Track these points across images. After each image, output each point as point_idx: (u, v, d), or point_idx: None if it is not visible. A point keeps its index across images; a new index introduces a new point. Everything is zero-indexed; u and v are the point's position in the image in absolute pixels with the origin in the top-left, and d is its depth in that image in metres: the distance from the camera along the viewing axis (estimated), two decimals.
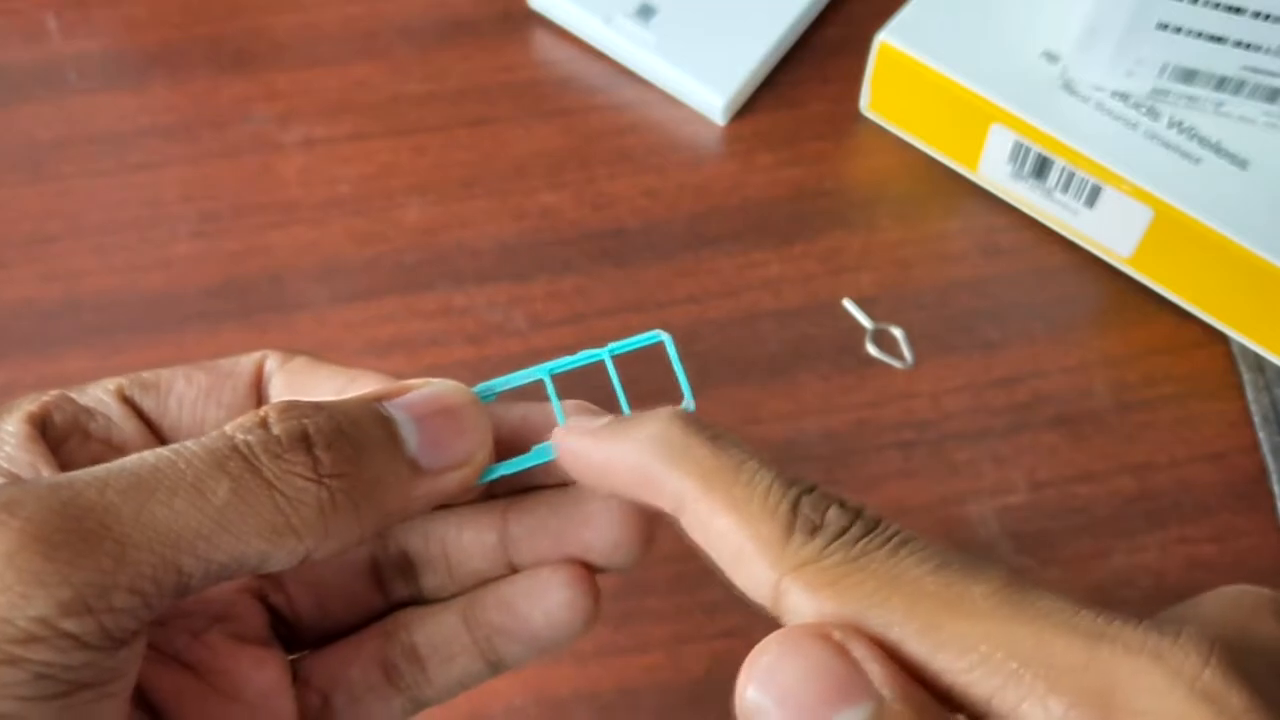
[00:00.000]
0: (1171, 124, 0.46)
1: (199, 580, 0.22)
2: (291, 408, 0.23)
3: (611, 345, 0.27)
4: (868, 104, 0.51)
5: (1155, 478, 0.45)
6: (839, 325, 0.48)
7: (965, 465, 0.45)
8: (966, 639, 0.19)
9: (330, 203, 0.50)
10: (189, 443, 0.22)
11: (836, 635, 0.20)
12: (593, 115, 0.52)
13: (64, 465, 0.24)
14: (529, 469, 0.26)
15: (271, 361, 0.28)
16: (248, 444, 0.22)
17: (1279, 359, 0.46)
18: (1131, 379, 0.47)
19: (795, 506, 0.21)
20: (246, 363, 0.27)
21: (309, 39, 0.54)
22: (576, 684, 0.42)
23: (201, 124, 0.52)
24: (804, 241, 0.49)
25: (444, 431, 0.24)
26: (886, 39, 0.48)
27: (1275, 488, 0.45)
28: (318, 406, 0.23)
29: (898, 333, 0.47)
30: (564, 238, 0.49)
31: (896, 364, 0.47)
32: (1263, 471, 0.45)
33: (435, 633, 0.28)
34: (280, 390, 0.27)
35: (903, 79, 0.49)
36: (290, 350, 0.28)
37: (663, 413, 0.23)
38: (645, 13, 0.52)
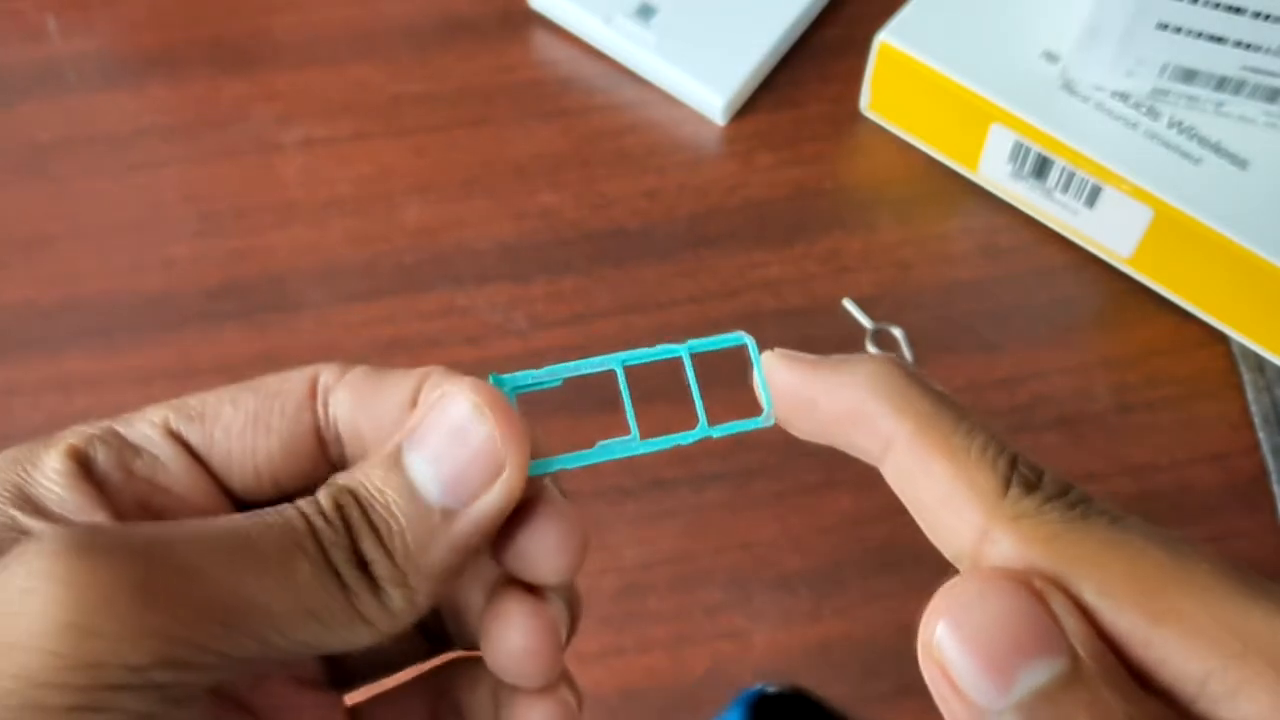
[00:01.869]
0: (1171, 124, 0.46)
1: (283, 654, 0.22)
2: (332, 489, 0.23)
3: (691, 342, 0.26)
4: (868, 104, 0.51)
5: (1156, 478, 0.45)
6: (839, 325, 0.48)
7: None
8: (1190, 611, 0.18)
9: (330, 203, 0.50)
10: (271, 513, 0.22)
11: (1038, 584, 0.19)
12: (592, 115, 0.52)
13: (109, 504, 0.24)
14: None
15: (327, 375, 0.26)
16: (315, 528, 0.22)
17: (1279, 359, 0.46)
18: (1132, 380, 0.47)
19: (1013, 464, 0.21)
20: (297, 380, 0.26)
21: (309, 39, 0.54)
22: (578, 684, 0.42)
23: (201, 124, 0.52)
24: (804, 242, 0.49)
25: (459, 460, 0.23)
26: (886, 39, 0.48)
27: (1275, 488, 0.45)
28: (347, 490, 0.23)
29: (898, 333, 0.47)
30: (564, 238, 0.49)
31: None
32: (1263, 472, 0.45)
33: (470, 699, 0.28)
34: (346, 408, 0.26)
35: (903, 79, 0.49)
36: (345, 363, 0.27)
37: (880, 356, 0.23)
38: (645, 13, 0.52)
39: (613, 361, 0.25)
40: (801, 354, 0.24)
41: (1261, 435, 0.45)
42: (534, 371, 0.25)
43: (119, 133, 0.52)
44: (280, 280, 0.49)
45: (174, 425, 0.26)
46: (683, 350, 0.26)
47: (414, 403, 0.25)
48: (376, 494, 0.23)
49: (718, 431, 0.25)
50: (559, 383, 0.25)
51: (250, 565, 0.21)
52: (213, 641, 0.20)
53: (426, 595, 0.23)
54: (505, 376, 0.25)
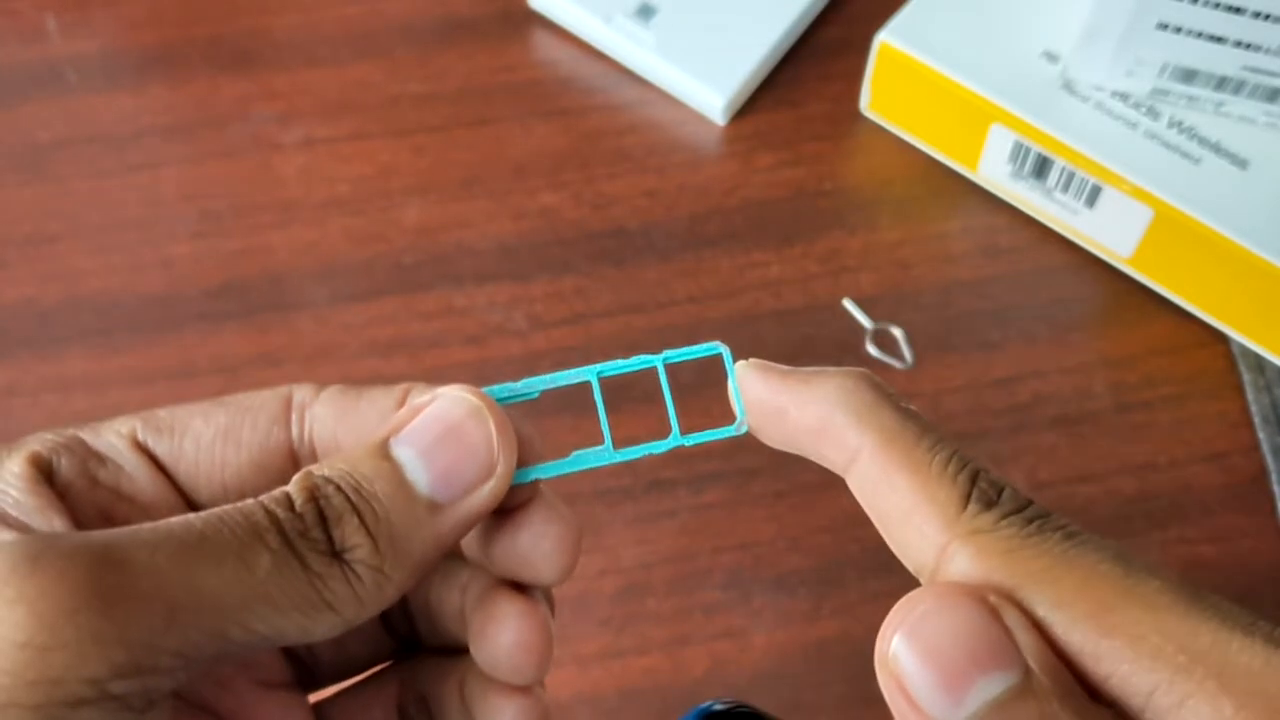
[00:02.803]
0: (1171, 124, 0.46)
1: (239, 648, 0.21)
2: (307, 480, 0.23)
3: (667, 353, 0.26)
4: (868, 104, 0.51)
5: (1155, 478, 0.45)
6: (839, 325, 0.48)
7: None
8: (1138, 626, 0.19)
9: (330, 203, 0.50)
10: (230, 510, 0.22)
11: (992, 599, 0.19)
12: (593, 115, 0.52)
13: (70, 512, 0.24)
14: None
15: (302, 393, 0.27)
16: (277, 519, 0.22)
17: (1279, 359, 0.46)
18: (1131, 379, 0.47)
19: (974, 479, 0.21)
20: (269, 397, 0.26)
21: (309, 39, 0.54)
22: (578, 686, 0.42)
23: (201, 124, 0.52)
24: (804, 242, 0.49)
25: (452, 457, 0.24)
26: (886, 39, 0.48)
27: (1275, 488, 0.45)
28: (327, 479, 0.23)
29: (898, 333, 0.47)
30: (564, 238, 0.49)
31: (896, 364, 0.47)
32: (1263, 471, 0.45)
33: (438, 693, 0.28)
34: (325, 423, 0.26)
35: (903, 79, 0.49)
36: (317, 383, 0.27)
37: (849, 371, 0.24)
38: (645, 13, 0.52)
39: (588, 373, 0.26)
40: (774, 365, 0.25)
41: (1261, 435, 0.45)
42: (511, 385, 0.25)
43: (119, 133, 0.52)
44: (280, 280, 0.49)
45: (141, 436, 0.26)
46: (658, 361, 0.26)
47: (398, 409, 0.26)
48: (363, 480, 0.23)
49: (690, 440, 0.26)
50: (536, 395, 0.26)
51: (207, 561, 0.21)
52: (172, 644, 0.20)
53: (398, 586, 0.23)
54: (484, 389, 0.25)
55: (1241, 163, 0.45)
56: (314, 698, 0.29)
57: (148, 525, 0.21)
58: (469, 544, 0.26)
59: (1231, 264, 0.44)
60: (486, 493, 0.24)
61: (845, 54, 0.52)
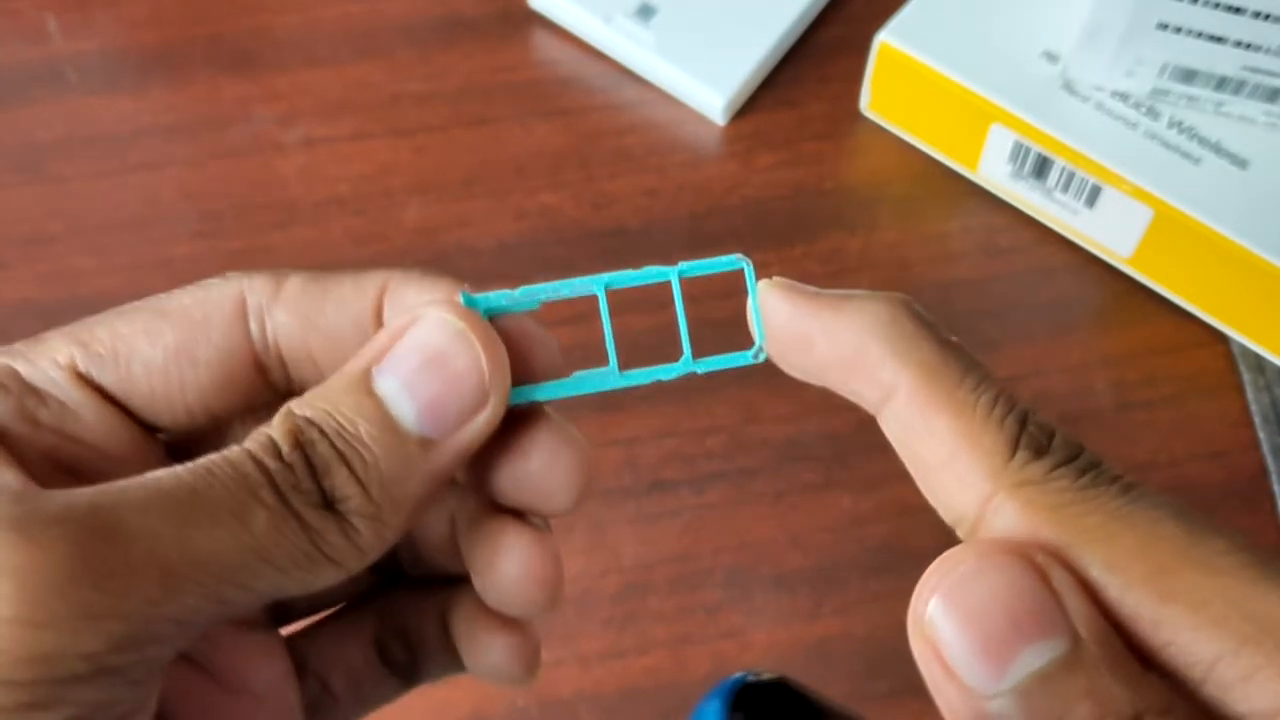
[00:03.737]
0: (1171, 124, 0.46)
1: (239, 608, 0.20)
2: (290, 422, 0.21)
3: (683, 265, 0.23)
4: (868, 104, 0.51)
5: (1155, 477, 0.45)
6: None
7: None
8: (1202, 592, 0.17)
9: (330, 202, 0.50)
10: (218, 461, 0.20)
11: (1040, 559, 0.18)
12: (593, 115, 0.52)
13: (13, 459, 0.21)
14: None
15: (256, 293, 0.24)
16: (270, 472, 0.20)
17: (1279, 359, 0.46)
18: (1132, 379, 0.47)
19: (1022, 423, 0.19)
20: (218, 299, 0.24)
21: (309, 39, 0.54)
22: (579, 684, 0.42)
23: (201, 124, 0.52)
24: (804, 242, 0.49)
25: (438, 387, 0.22)
26: (886, 39, 0.48)
27: (1275, 487, 0.45)
28: (310, 421, 0.21)
29: None
30: (564, 238, 0.49)
31: None
32: (1263, 471, 0.45)
33: (419, 626, 0.26)
34: (290, 329, 0.24)
35: (903, 79, 0.49)
36: (273, 270, 0.24)
37: (892, 295, 0.21)
38: (645, 13, 0.52)
39: (595, 284, 0.24)
40: (802, 286, 0.22)
41: (1261, 434, 0.45)
42: (508, 292, 0.23)
43: (119, 133, 0.52)
44: None
45: (83, 367, 0.23)
46: (673, 273, 0.24)
47: (376, 316, 0.24)
48: (347, 423, 0.21)
49: (702, 366, 0.24)
50: (536, 306, 0.23)
51: (202, 521, 0.19)
52: (170, 611, 0.19)
53: (396, 529, 0.22)
54: (478, 296, 0.23)
55: (1241, 163, 0.45)
56: (285, 631, 0.27)
57: (134, 482, 0.20)
58: (463, 470, 0.24)
59: (1231, 264, 0.44)
60: (481, 423, 0.22)
61: (845, 54, 0.52)
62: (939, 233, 0.50)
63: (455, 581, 0.26)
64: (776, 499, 0.45)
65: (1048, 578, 0.18)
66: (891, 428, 0.21)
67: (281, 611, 0.27)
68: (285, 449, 0.21)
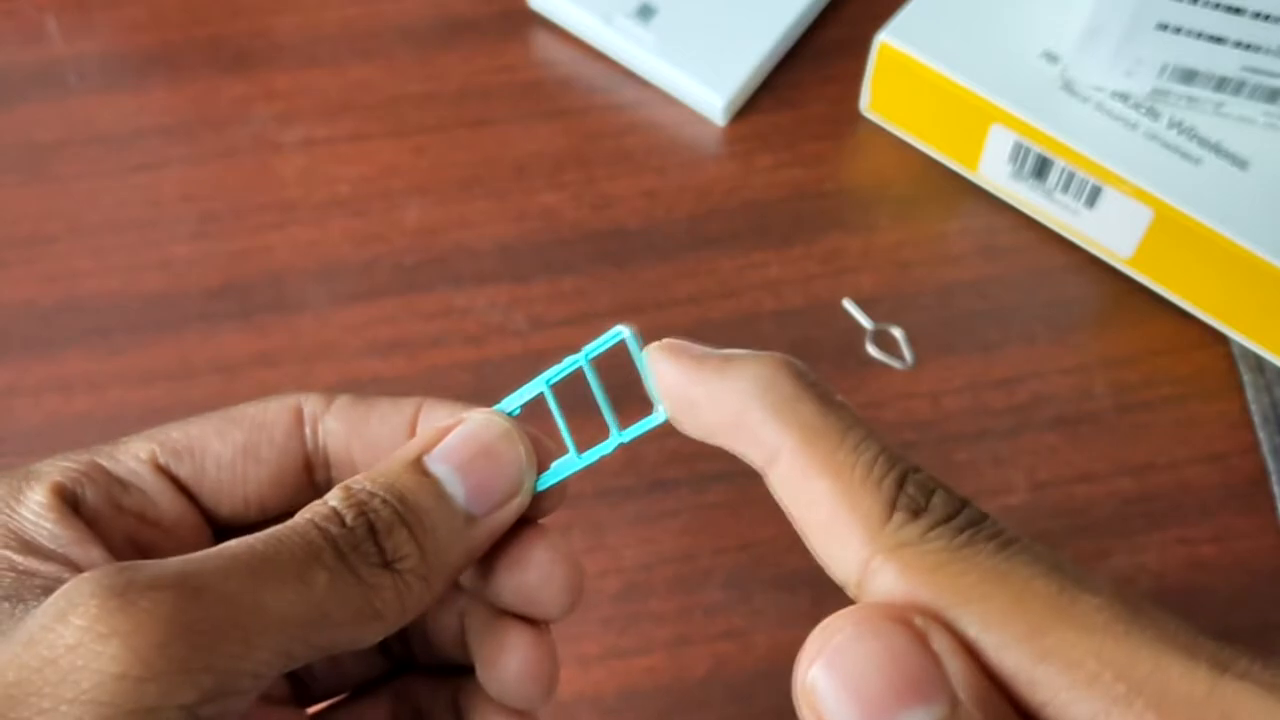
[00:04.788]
0: (1171, 124, 0.46)
1: (299, 662, 0.22)
2: (351, 498, 0.24)
3: (585, 349, 0.25)
4: (868, 104, 0.51)
5: (1155, 478, 0.45)
6: (839, 326, 0.48)
7: (965, 466, 0.45)
8: (1075, 651, 0.17)
9: (330, 203, 0.50)
10: (285, 531, 0.23)
11: (918, 622, 0.18)
12: (593, 115, 0.52)
13: (100, 540, 0.25)
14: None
15: (311, 405, 0.27)
16: (332, 537, 0.23)
17: (1279, 359, 0.46)
18: (1131, 380, 0.47)
19: (900, 483, 0.20)
20: (280, 410, 0.27)
21: (309, 39, 0.54)
22: (579, 686, 0.42)
23: (201, 124, 0.52)
24: (804, 242, 0.49)
25: (487, 473, 0.25)
26: (886, 39, 0.48)
27: (1275, 488, 0.45)
28: (372, 493, 0.24)
29: (898, 333, 0.47)
30: (564, 238, 0.49)
31: (896, 364, 0.47)
32: (1263, 472, 0.45)
33: (431, 708, 0.29)
34: (338, 436, 0.27)
35: (903, 79, 0.49)
36: (325, 391, 0.28)
37: (772, 356, 0.22)
38: (645, 13, 0.52)
39: (540, 384, 0.26)
40: (689, 346, 0.23)
41: (1261, 435, 0.45)
42: (499, 405, 0.27)
43: (119, 133, 0.52)
44: (280, 280, 0.49)
45: (162, 460, 0.26)
46: (581, 360, 0.25)
47: (411, 428, 0.27)
48: (408, 493, 0.24)
49: (627, 436, 0.25)
50: (519, 411, 0.27)
51: (271, 583, 0.22)
52: (250, 666, 0.21)
53: (435, 594, 0.24)
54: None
55: (1241, 163, 0.45)
56: (310, 711, 0.29)
57: (212, 552, 0.22)
58: (467, 575, 0.27)
59: (1231, 264, 0.44)
60: (515, 506, 0.25)
61: (845, 54, 0.52)
62: (939, 233, 0.50)
63: (466, 670, 0.29)
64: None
65: (926, 641, 0.18)
66: (777, 490, 0.21)
67: (303, 693, 0.30)
68: (348, 517, 0.23)
